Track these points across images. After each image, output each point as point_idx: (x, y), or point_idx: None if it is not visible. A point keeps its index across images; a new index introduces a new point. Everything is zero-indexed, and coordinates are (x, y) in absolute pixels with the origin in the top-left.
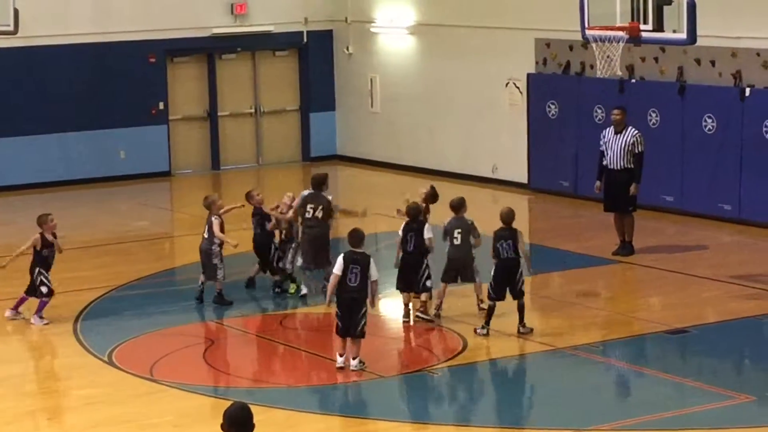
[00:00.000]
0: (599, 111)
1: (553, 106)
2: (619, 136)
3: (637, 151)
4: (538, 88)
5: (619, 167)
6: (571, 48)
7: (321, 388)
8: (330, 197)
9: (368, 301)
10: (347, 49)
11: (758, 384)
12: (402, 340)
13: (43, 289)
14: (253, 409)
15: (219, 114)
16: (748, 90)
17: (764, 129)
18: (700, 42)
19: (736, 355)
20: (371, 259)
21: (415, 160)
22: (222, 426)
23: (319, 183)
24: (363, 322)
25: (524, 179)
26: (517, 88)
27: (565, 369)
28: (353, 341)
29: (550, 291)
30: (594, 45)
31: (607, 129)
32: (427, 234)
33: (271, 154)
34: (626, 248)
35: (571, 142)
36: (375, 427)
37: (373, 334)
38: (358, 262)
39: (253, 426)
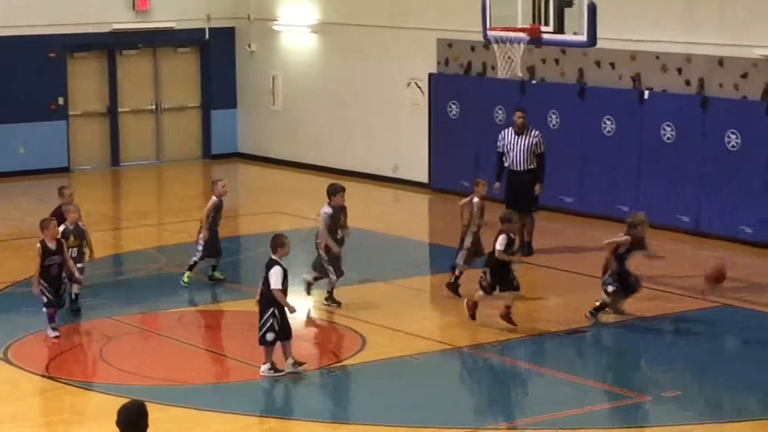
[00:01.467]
0: (500, 112)
1: (454, 107)
2: (521, 137)
3: (539, 151)
4: (439, 88)
5: (522, 168)
6: (472, 49)
7: (218, 386)
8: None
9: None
10: (249, 46)
11: (654, 384)
12: (300, 339)
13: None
14: (150, 407)
15: (119, 110)
16: (646, 93)
17: (662, 131)
18: (600, 44)
19: (632, 356)
20: (274, 267)
21: (316, 159)
22: (117, 423)
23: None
24: (263, 329)
25: (425, 179)
26: (419, 87)
27: (463, 368)
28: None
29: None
30: (495, 46)
31: (506, 130)
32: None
33: (171, 152)
34: (526, 248)
35: (472, 143)
36: (272, 426)
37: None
38: (266, 268)
39: (146, 424)
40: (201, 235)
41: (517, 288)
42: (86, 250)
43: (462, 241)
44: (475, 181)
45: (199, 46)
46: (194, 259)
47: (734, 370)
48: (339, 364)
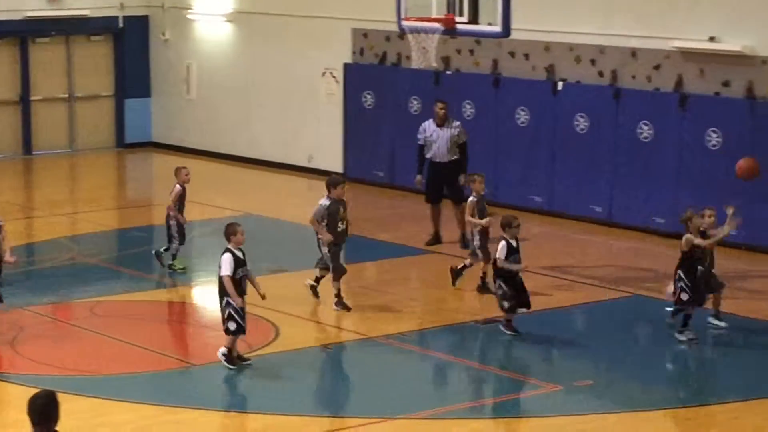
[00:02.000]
0: (415, 102)
1: (369, 97)
2: (443, 129)
3: (461, 142)
4: (354, 78)
5: (446, 160)
6: (387, 39)
7: (130, 376)
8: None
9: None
10: (164, 35)
11: (566, 373)
12: (212, 329)
13: None
14: (62, 397)
15: (31, 98)
16: (560, 84)
17: (575, 122)
18: (514, 35)
19: (545, 345)
20: (225, 254)
21: (231, 149)
22: (27, 413)
23: None
24: (224, 319)
25: (340, 169)
26: (334, 77)
27: (377, 358)
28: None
29: (365, 281)
30: (410, 36)
31: (427, 122)
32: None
33: (84, 140)
34: (462, 240)
35: (387, 133)
36: (185, 416)
37: (182, 322)
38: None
39: (57, 415)
40: (172, 222)
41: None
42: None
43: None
44: (470, 177)
45: (113, 34)
46: (173, 247)
47: (645, 360)
48: (252, 354)
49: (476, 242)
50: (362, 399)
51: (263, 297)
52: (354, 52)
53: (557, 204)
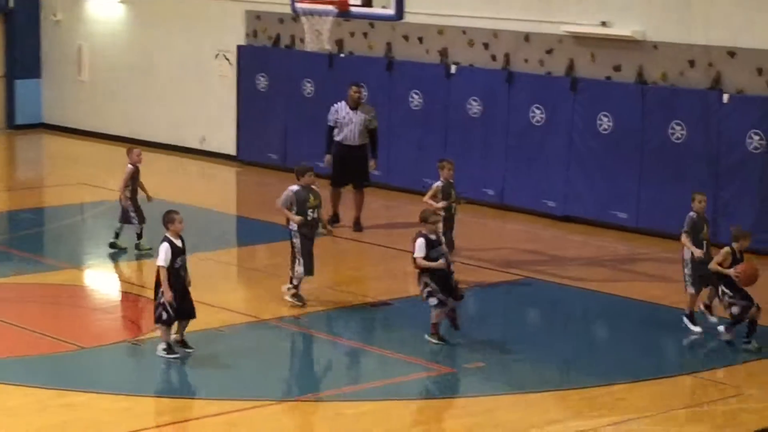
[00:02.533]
0: (308, 85)
1: (262, 79)
2: (356, 112)
3: (372, 126)
4: (248, 60)
5: (358, 143)
6: (281, 21)
7: (21, 359)
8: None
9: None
10: (55, 15)
11: (457, 356)
12: (105, 311)
13: None
14: None
15: None
16: (453, 67)
17: (468, 106)
18: (407, 18)
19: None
20: (162, 243)
21: (124, 131)
22: None
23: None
24: (156, 308)
25: (233, 151)
26: (227, 59)
27: (269, 340)
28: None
29: (257, 263)
30: (304, 18)
31: (340, 104)
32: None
33: None
34: (356, 225)
35: (280, 115)
36: (76, 399)
37: (73, 305)
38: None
39: None
40: (127, 204)
41: (460, 297)
42: None
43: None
44: (440, 163)
45: (3, 14)
46: (136, 231)
47: (536, 342)
48: (144, 337)
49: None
50: (255, 381)
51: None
52: (247, 35)
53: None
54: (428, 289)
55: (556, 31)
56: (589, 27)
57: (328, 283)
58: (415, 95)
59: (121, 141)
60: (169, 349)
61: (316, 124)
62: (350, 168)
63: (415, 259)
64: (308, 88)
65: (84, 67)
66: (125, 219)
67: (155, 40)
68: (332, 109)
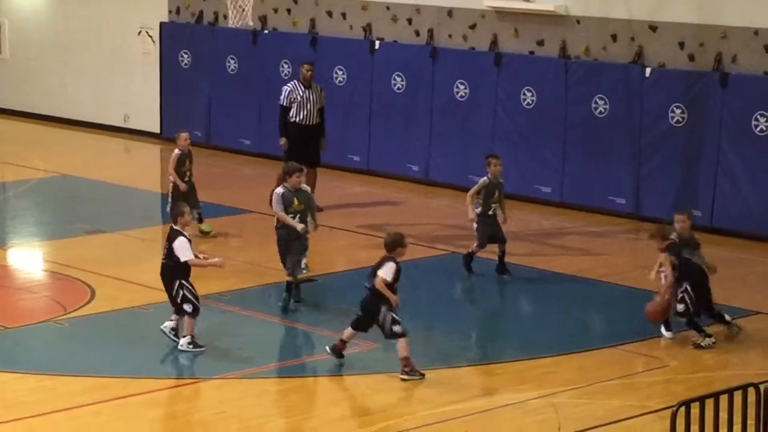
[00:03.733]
0: (232, 61)
1: (186, 56)
2: (309, 91)
3: (321, 105)
4: (171, 37)
5: (313, 123)
6: None
7: None
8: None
9: None
10: None
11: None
12: (27, 290)
13: None
14: None
15: None
16: (377, 43)
17: (392, 82)
18: None
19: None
20: (178, 238)
21: (47, 109)
22: None
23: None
24: (178, 302)
25: (157, 129)
26: (150, 37)
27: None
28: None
29: None
30: None
31: (293, 83)
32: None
33: None
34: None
35: (204, 93)
36: (2, 378)
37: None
38: (168, 240)
39: None
40: (171, 186)
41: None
42: None
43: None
44: (486, 159)
45: None
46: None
47: (460, 317)
48: (66, 316)
49: (476, 227)
50: (180, 360)
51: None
52: (170, 11)
53: (375, 163)
54: (389, 317)
55: (479, 6)
56: (513, 2)
57: (254, 260)
58: (339, 71)
59: (43, 119)
60: (195, 343)
61: (240, 102)
62: (306, 148)
63: (382, 280)
64: (232, 65)
65: (5, 44)
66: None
67: (77, 17)
68: (284, 89)
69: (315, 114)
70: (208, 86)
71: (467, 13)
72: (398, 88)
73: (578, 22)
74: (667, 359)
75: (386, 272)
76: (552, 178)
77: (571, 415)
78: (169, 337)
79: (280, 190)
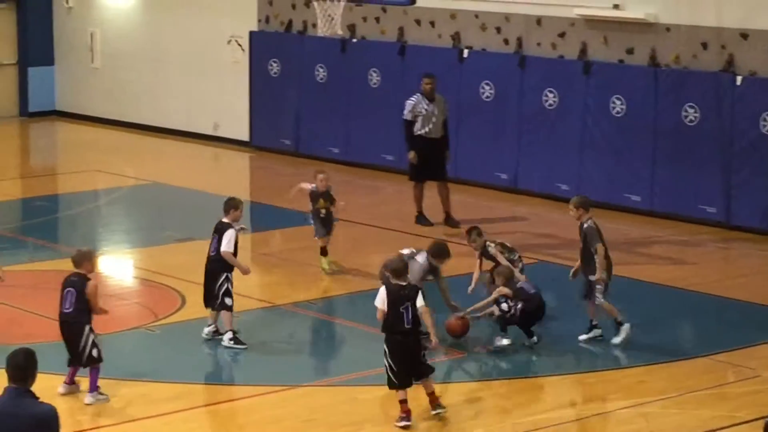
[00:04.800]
0: (321, 70)
1: (275, 65)
2: (433, 104)
3: (444, 117)
4: (260, 46)
5: (439, 136)
6: (293, 6)
7: (37, 345)
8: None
9: None
10: (67, 2)
11: (470, 341)
12: (119, 297)
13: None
14: None
15: None
16: (466, 51)
17: (481, 90)
18: (420, 3)
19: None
20: (228, 230)
21: (136, 117)
22: (6, 370)
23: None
24: (220, 295)
25: (246, 137)
26: (240, 45)
27: (283, 325)
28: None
29: (271, 248)
30: (316, 4)
31: (415, 98)
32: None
33: None
34: (451, 221)
35: (293, 101)
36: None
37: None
38: (216, 232)
39: (35, 374)
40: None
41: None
42: None
43: None
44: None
45: (16, 1)
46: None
47: (550, 326)
48: (157, 323)
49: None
50: (268, 366)
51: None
52: (260, 20)
53: (462, 171)
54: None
55: (568, 14)
56: (602, 10)
57: (343, 268)
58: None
59: (134, 128)
60: (236, 339)
61: (329, 110)
62: (432, 162)
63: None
64: (321, 73)
65: (96, 53)
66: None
67: (168, 27)
68: (408, 103)
69: (440, 127)
70: (297, 95)
71: (556, 22)
72: (486, 97)
73: (668, 30)
74: (759, 369)
75: (380, 302)
76: (641, 187)
77: (662, 425)
78: (237, 348)
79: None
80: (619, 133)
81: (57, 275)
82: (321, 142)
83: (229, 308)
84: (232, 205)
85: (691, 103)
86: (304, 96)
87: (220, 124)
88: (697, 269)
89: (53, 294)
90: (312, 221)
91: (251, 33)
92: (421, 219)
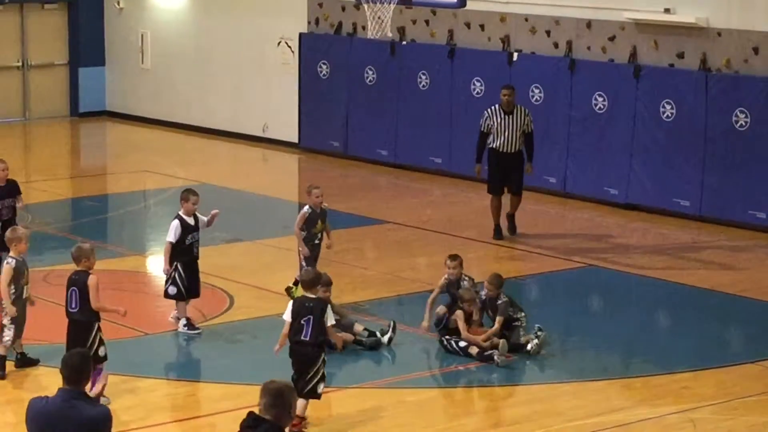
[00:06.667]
0: (370, 72)
1: (324, 66)
2: (510, 116)
3: (528, 131)
4: (310, 47)
5: (513, 150)
6: (343, 8)
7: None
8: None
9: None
10: (118, 3)
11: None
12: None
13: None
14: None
15: None
16: (515, 54)
17: (531, 93)
18: (469, 6)
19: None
20: (173, 220)
21: (186, 118)
22: (61, 371)
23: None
24: (166, 283)
25: (295, 138)
26: (289, 47)
27: None
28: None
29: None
30: (365, 6)
31: (492, 108)
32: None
33: (38, 109)
34: (513, 228)
35: (342, 103)
36: (140, 384)
37: (136, 291)
38: None
39: (89, 375)
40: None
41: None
42: None
43: None
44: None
45: (67, 2)
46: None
47: (598, 330)
48: (206, 323)
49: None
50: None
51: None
52: (309, 22)
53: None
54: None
55: (618, 18)
56: (652, 14)
57: (390, 269)
58: (477, 83)
59: (183, 128)
60: (190, 324)
61: (378, 112)
62: (508, 174)
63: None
64: (370, 75)
65: (147, 54)
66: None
67: (217, 28)
68: (485, 114)
69: (516, 141)
70: (347, 97)
71: (606, 25)
72: (536, 100)
73: (719, 34)
74: None
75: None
76: (691, 192)
77: (710, 431)
78: (190, 333)
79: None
80: (668, 138)
81: (105, 275)
82: (370, 145)
83: (172, 296)
84: (182, 197)
85: (741, 108)
86: (353, 98)
87: (269, 126)
88: (747, 274)
89: (101, 293)
90: (304, 257)
91: (301, 35)
92: (497, 234)
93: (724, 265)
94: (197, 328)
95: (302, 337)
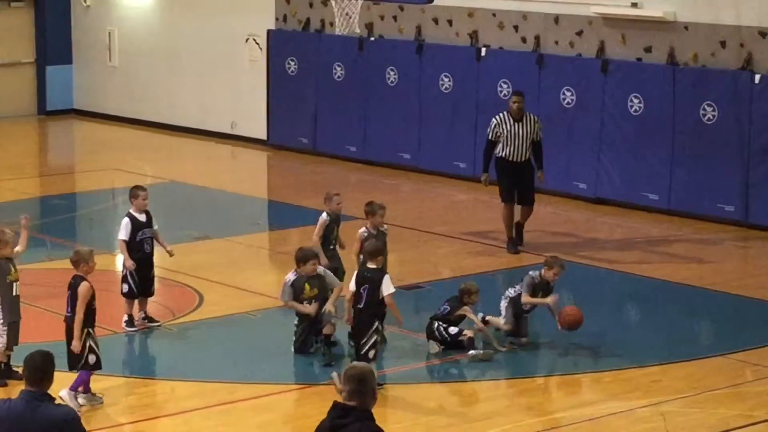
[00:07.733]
0: (338, 68)
1: (292, 63)
2: (519, 125)
3: (537, 139)
4: (278, 44)
5: (523, 159)
6: (311, 5)
7: (54, 344)
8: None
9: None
10: (85, 1)
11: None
12: None
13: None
14: None
15: None
16: (483, 50)
17: (499, 89)
18: (437, 1)
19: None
20: (124, 218)
21: (154, 116)
22: (23, 371)
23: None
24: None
25: (264, 135)
26: (257, 44)
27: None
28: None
29: (289, 247)
30: (333, 2)
31: (501, 115)
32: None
33: (5, 107)
34: (520, 238)
35: (311, 99)
36: (108, 384)
37: (106, 290)
38: None
39: (53, 376)
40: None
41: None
42: None
43: None
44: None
45: (34, 0)
46: None
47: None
48: (175, 321)
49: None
50: (283, 365)
51: (170, 254)
52: (277, 19)
53: (480, 169)
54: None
55: (586, 12)
56: (620, 8)
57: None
58: (445, 78)
59: (152, 126)
60: (129, 322)
61: (346, 108)
62: (519, 182)
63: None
64: (338, 71)
65: (114, 52)
66: None
67: (185, 25)
68: (493, 121)
69: (524, 149)
70: (315, 93)
71: (574, 20)
72: (504, 95)
73: (686, 28)
74: None
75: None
76: (659, 186)
77: (680, 424)
78: (151, 326)
79: (290, 276)
80: (636, 132)
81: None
82: (339, 141)
83: (124, 294)
84: (131, 194)
85: (709, 102)
86: (321, 94)
87: (238, 123)
88: (715, 268)
89: (96, 295)
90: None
91: (269, 31)
92: (511, 246)
93: (692, 259)
94: (135, 327)
95: (359, 305)
